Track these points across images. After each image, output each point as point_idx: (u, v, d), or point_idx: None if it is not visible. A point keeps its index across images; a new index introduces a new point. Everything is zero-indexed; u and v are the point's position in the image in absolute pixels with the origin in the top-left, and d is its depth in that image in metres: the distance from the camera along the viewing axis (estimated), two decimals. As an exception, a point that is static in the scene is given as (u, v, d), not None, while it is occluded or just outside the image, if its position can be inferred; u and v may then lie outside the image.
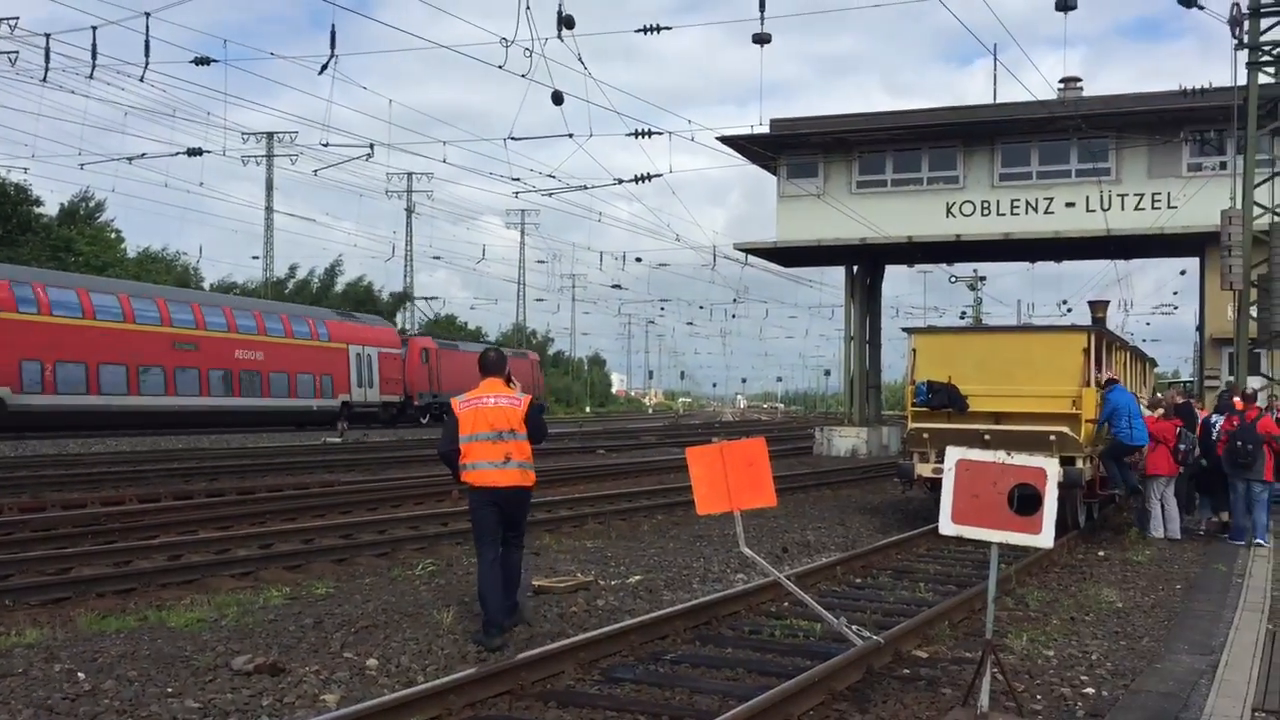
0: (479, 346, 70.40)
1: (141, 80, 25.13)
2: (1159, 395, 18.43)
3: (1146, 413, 15.65)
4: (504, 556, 8.36)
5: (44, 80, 27.52)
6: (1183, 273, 56.45)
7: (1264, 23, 21.31)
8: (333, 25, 23.39)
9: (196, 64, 25.71)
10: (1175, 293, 71.83)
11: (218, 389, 39.35)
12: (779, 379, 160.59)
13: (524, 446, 8.22)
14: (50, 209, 62.13)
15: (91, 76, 25.89)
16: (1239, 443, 14.02)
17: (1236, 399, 15.84)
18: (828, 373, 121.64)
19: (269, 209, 68.51)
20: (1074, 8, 23.92)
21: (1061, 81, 31.52)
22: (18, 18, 30.95)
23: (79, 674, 6.95)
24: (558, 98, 21.82)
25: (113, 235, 67.26)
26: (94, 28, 24.12)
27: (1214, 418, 15.79)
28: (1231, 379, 23.08)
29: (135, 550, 12.00)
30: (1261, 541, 13.96)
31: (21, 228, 56.71)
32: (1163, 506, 14.80)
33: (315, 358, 44.60)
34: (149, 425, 35.98)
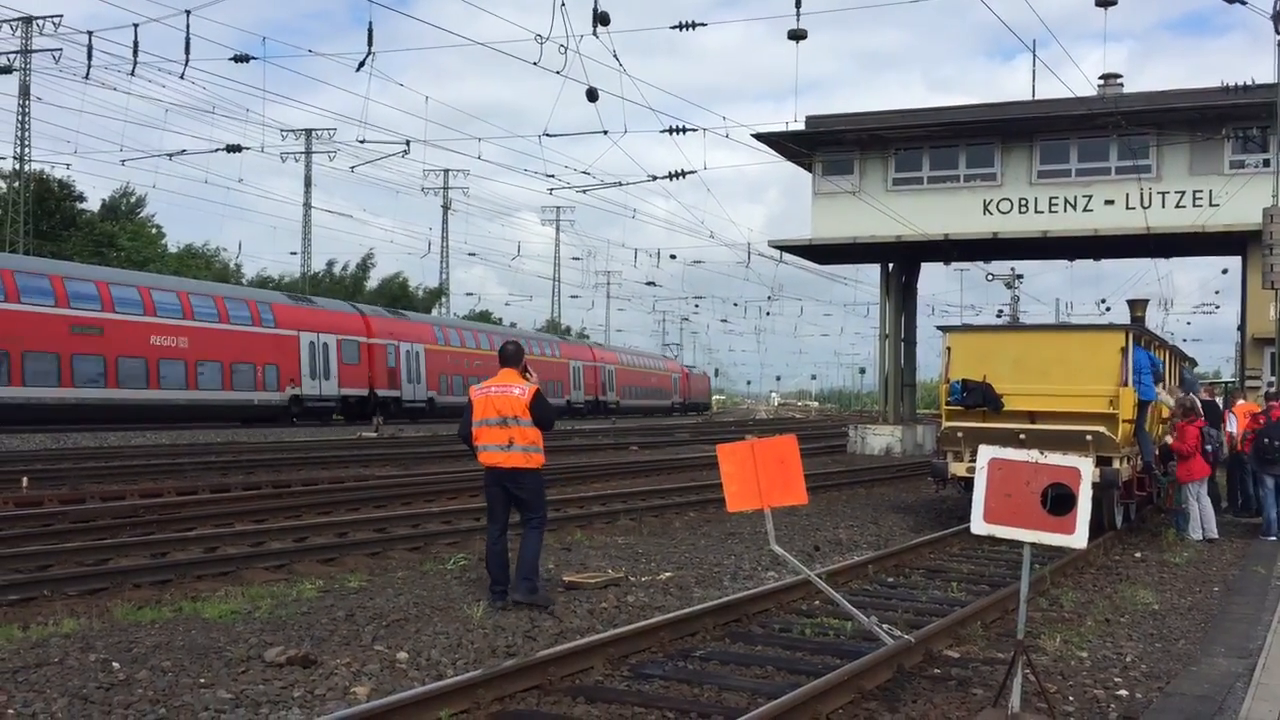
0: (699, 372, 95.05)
1: (182, 77, 25.41)
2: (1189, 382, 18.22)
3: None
4: (523, 537, 9.18)
5: (86, 77, 28.02)
6: (1225, 271, 55.69)
7: (1309, 18, 20.95)
8: (370, 22, 23.55)
9: (236, 61, 26.00)
10: (1217, 292, 71.16)
11: None
12: (813, 377, 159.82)
13: (527, 432, 9.04)
14: (92, 205, 63.05)
15: (133, 73, 26.21)
16: (1266, 439, 14.63)
17: (1240, 401, 17.31)
18: (863, 371, 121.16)
19: (307, 205, 69.03)
20: (1114, 3, 23.66)
21: (1101, 78, 31.19)
22: (61, 16, 31.52)
23: (114, 663, 7.03)
24: (592, 95, 21.81)
25: (154, 231, 68.11)
26: (135, 25, 24.43)
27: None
28: (1273, 379, 22.78)
29: (172, 542, 12.14)
30: (1275, 538, 14.46)
31: (65, 223, 57.56)
32: (1199, 506, 14.65)
33: None
34: None
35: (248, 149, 35.66)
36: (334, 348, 43.13)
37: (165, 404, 35.90)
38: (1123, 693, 7.06)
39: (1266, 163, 27.03)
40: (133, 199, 66.22)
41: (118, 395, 34.33)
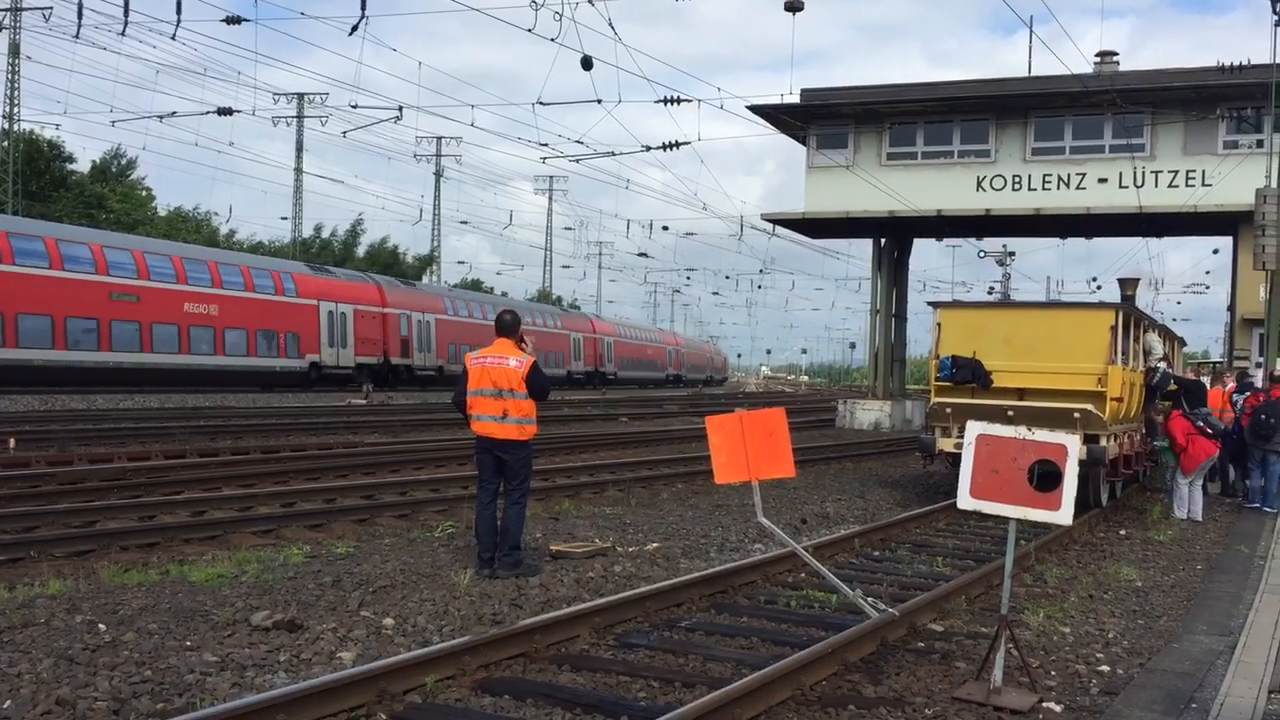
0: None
1: (173, 38, 25.21)
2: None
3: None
4: (505, 509, 9.22)
5: (77, 36, 27.71)
6: (1216, 252, 55.86)
7: (1307, -2, 20.92)
8: (363, -14, 23.22)
9: (228, 23, 25.79)
10: (1208, 272, 71.51)
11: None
12: (804, 351, 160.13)
13: (522, 405, 9.12)
14: (82, 166, 62.62)
15: (124, 33, 26.04)
16: (1264, 416, 15.38)
17: (1231, 383, 18.42)
18: (853, 346, 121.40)
19: (298, 170, 68.64)
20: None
21: (1097, 55, 31.11)
22: (51, -27, 31.02)
23: (100, 625, 7.04)
24: (587, 63, 21.71)
25: (144, 193, 67.73)
26: (126, -16, 24.16)
27: (1235, 396, 17.09)
28: (1261, 360, 22.87)
29: (159, 505, 12.12)
30: (1271, 509, 15.19)
31: (55, 184, 57.19)
32: (1189, 489, 14.75)
33: None
34: None
35: (239, 112, 35.56)
36: None
37: None
38: (1104, 668, 7.11)
39: (1260, 143, 27.04)
40: (123, 161, 65.89)
41: None
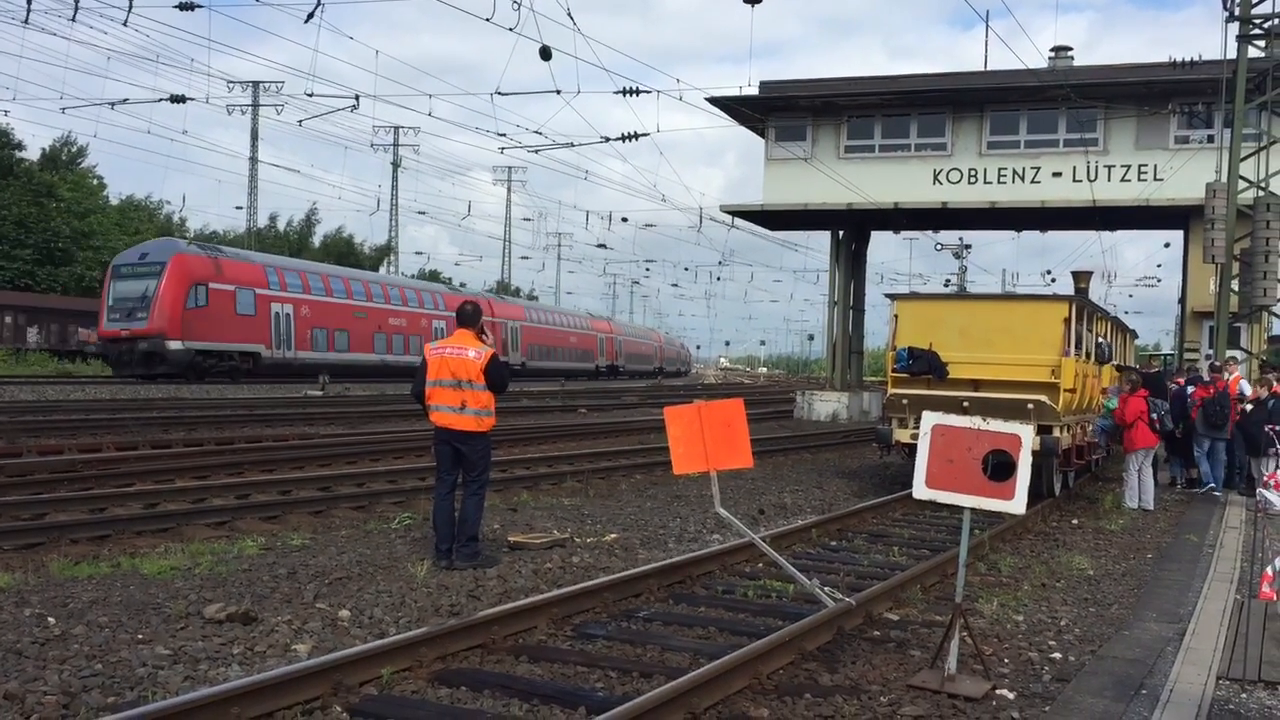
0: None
1: (125, 24, 24.82)
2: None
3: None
4: (463, 500, 9.21)
5: (26, 21, 27.19)
6: (1167, 245, 56.71)
7: (1256, -4, 21.21)
8: (319, -28, 22.92)
9: (180, 9, 25.39)
10: (1159, 265, 72.82)
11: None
12: (762, 342, 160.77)
13: (480, 396, 9.11)
14: (32, 153, 61.56)
15: (74, 19, 25.58)
16: (1218, 407, 16.20)
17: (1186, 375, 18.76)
18: (811, 337, 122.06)
19: (253, 159, 67.86)
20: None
21: (1052, 50, 31.39)
22: (-1, -43, 30.37)
23: (49, 619, 6.93)
24: (546, 53, 21.60)
25: (94, 182, 66.73)
26: (76, -31, 23.75)
27: (1188, 389, 17.24)
28: (1210, 352, 23.24)
29: (111, 497, 11.95)
30: (1217, 489, 16.39)
31: (2, 171, 56.18)
32: (1139, 478, 14.97)
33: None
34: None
35: (192, 100, 34.96)
36: None
37: None
38: (1056, 655, 7.20)
39: (1211, 138, 27.43)
40: (73, 149, 64.88)
41: None
